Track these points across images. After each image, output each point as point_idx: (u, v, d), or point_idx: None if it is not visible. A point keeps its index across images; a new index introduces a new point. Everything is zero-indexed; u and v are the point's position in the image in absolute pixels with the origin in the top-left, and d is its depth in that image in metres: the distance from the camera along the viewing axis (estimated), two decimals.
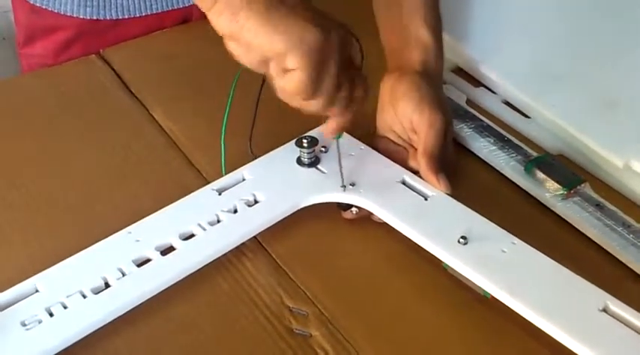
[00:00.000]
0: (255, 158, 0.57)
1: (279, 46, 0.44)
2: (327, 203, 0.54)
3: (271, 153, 0.58)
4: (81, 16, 0.73)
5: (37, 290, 0.47)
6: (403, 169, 0.56)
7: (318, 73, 0.45)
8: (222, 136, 0.57)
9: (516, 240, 0.50)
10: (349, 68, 0.48)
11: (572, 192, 0.57)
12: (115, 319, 0.46)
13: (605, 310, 0.45)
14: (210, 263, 0.50)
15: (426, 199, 0.53)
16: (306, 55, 0.44)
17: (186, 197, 0.54)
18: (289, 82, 0.45)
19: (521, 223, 0.52)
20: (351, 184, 0.54)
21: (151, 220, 0.52)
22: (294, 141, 0.57)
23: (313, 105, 0.47)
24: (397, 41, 0.60)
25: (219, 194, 0.54)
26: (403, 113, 0.55)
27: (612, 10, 0.75)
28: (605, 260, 0.54)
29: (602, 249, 0.54)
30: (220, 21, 0.44)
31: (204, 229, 0.51)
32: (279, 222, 0.53)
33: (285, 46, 0.44)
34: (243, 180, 0.55)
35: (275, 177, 0.55)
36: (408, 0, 0.60)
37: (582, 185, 0.57)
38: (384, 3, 0.62)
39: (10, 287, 0.47)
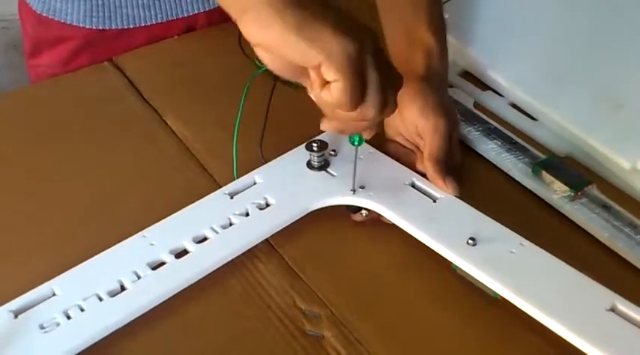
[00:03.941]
0: (266, 162, 0.58)
1: (316, 60, 0.43)
2: (337, 206, 0.55)
3: (282, 157, 0.58)
4: (87, 26, 0.74)
5: (54, 294, 0.48)
6: (412, 172, 0.56)
7: (358, 81, 0.43)
8: (235, 141, 0.58)
9: (524, 241, 0.50)
10: (387, 71, 0.46)
11: (579, 193, 0.57)
12: (131, 321, 0.47)
13: (613, 309, 0.46)
14: (223, 265, 0.51)
15: (434, 201, 0.54)
16: (345, 67, 0.42)
17: (199, 201, 0.55)
18: (333, 93, 0.44)
19: (529, 224, 0.53)
20: (360, 187, 0.55)
21: (164, 224, 0.53)
22: (304, 145, 0.58)
23: (358, 113, 0.45)
24: (401, 45, 0.60)
25: (231, 198, 0.55)
26: (409, 119, 0.56)
27: (618, 12, 0.75)
28: (613, 260, 0.54)
29: (610, 249, 0.55)
30: (252, 31, 0.43)
31: (217, 232, 0.52)
32: (290, 224, 0.54)
33: (321, 59, 0.42)
34: (255, 183, 0.56)
35: (286, 181, 0.56)
36: (411, 4, 0.61)
37: (589, 186, 0.58)
38: (388, 7, 0.63)
39: (28, 290, 0.47)
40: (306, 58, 0.43)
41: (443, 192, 0.54)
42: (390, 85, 0.46)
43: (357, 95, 0.44)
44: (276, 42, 0.43)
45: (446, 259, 0.50)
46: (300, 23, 0.42)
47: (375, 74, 0.44)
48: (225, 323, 0.49)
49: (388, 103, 0.46)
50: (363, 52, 0.43)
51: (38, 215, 0.56)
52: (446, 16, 0.63)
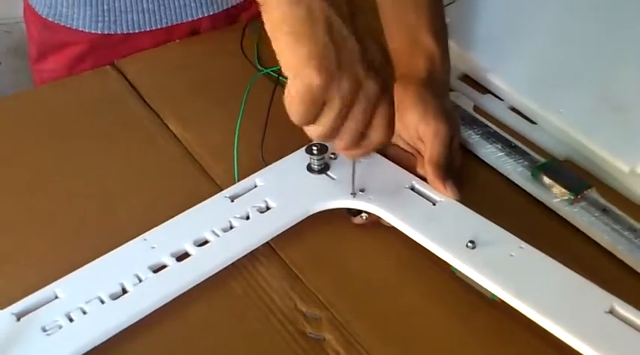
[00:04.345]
0: (267, 165, 0.58)
1: (285, 70, 0.44)
2: (337, 208, 0.55)
3: (282, 160, 0.59)
4: (92, 31, 0.74)
5: (56, 297, 0.48)
6: (412, 175, 0.57)
7: (309, 109, 0.44)
8: (235, 144, 0.58)
9: (524, 244, 0.50)
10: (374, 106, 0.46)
11: (578, 197, 0.58)
12: (133, 324, 0.47)
13: (611, 312, 0.46)
14: (224, 268, 0.51)
15: (434, 205, 0.54)
16: (304, 96, 0.44)
17: (200, 204, 0.55)
18: (287, 98, 0.45)
19: (528, 228, 0.53)
20: (360, 190, 0.55)
21: (165, 227, 0.53)
22: (304, 148, 0.58)
23: (308, 130, 0.47)
24: (403, 49, 0.60)
25: (232, 201, 0.55)
26: (409, 123, 0.56)
27: (618, 16, 0.76)
28: (612, 263, 0.54)
29: (609, 252, 0.55)
30: (266, 24, 0.45)
31: (218, 236, 0.52)
32: (290, 227, 0.54)
33: (292, 80, 0.44)
34: (255, 187, 0.57)
35: (286, 184, 0.57)
36: (413, 8, 0.61)
37: (589, 190, 0.58)
38: (390, 11, 0.63)
39: (31, 293, 0.48)
40: (286, 71, 0.44)
41: (442, 196, 0.55)
42: (359, 125, 0.46)
43: (305, 121, 0.45)
44: (275, 45, 0.44)
45: (445, 262, 0.51)
46: (290, 37, 0.43)
47: (335, 112, 0.45)
48: (227, 325, 0.49)
49: (350, 145, 0.47)
50: (330, 91, 0.44)
51: (40, 218, 0.57)
52: (447, 20, 0.63)
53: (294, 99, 0.44)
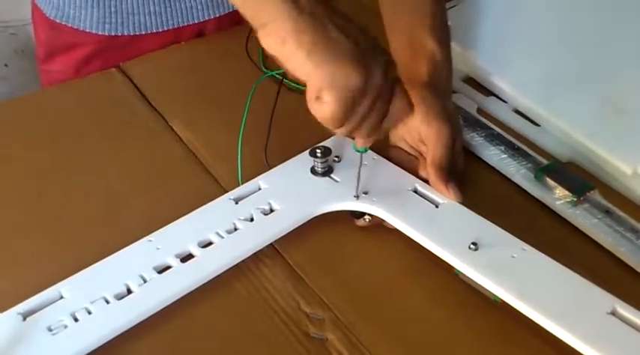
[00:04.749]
0: (271, 168, 0.59)
1: (318, 82, 0.45)
2: (340, 211, 0.56)
3: (286, 163, 0.59)
4: (99, 33, 0.75)
5: (62, 297, 0.49)
6: (415, 178, 0.57)
7: (349, 110, 0.46)
8: (239, 147, 0.59)
9: (526, 246, 0.51)
10: (390, 93, 0.48)
11: (581, 198, 0.58)
12: (138, 324, 0.48)
13: (613, 313, 0.46)
14: (228, 269, 0.51)
15: (437, 207, 0.55)
16: (342, 97, 0.45)
17: (204, 206, 0.55)
18: (320, 111, 0.46)
19: (531, 230, 0.53)
20: (364, 193, 0.56)
21: (170, 228, 0.53)
22: (307, 151, 0.58)
23: (338, 131, 0.48)
24: (405, 52, 0.61)
25: (236, 203, 0.55)
26: (412, 125, 0.57)
27: (620, 19, 0.76)
28: (615, 265, 0.54)
29: (612, 254, 0.55)
30: (268, 42, 0.45)
31: (222, 237, 0.53)
32: (294, 229, 0.54)
33: (322, 85, 0.45)
34: (259, 189, 0.57)
35: (290, 187, 0.57)
36: (415, 11, 0.61)
37: (592, 192, 0.58)
38: (392, 14, 0.63)
39: (36, 293, 0.48)
40: (308, 78, 0.45)
41: (445, 198, 0.55)
42: (381, 115, 0.48)
43: (341, 121, 0.47)
44: (287, 57, 0.45)
45: (448, 263, 0.51)
46: (313, 47, 0.44)
47: (365, 108, 0.47)
48: (230, 326, 0.50)
49: (370, 135, 0.49)
50: (367, 85, 0.45)
51: (46, 219, 0.57)
52: (449, 22, 0.63)
53: (331, 105, 0.45)
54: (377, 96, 0.47)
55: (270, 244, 0.54)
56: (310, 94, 0.46)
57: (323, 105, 0.46)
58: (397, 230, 0.54)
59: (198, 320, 0.50)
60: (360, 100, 0.46)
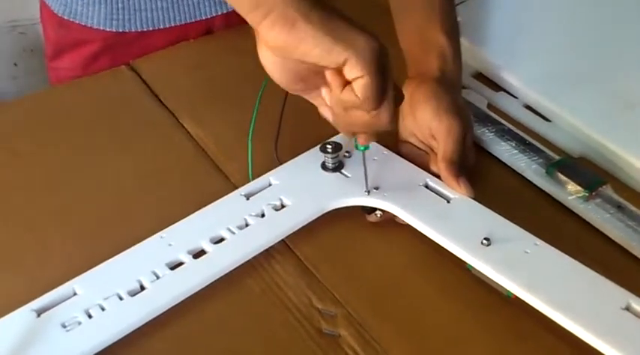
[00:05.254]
0: (281, 164, 0.59)
1: (342, 56, 0.43)
2: (351, 206, 0.56)
3: (296, 158, 0.59)
4: (107, 29, 0.75)
5: (75, 293, 0.49)
6: (426, 173, 0.57)
7: (381, 78, 0.44)
8: (249, 143, 0.59)
9: (539, 241, 0.51)
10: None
11: (593, 194, 0.58)
12: (151, 320, 0.48)
13: (627, 308, 0.46)
14: (240, 266, 0.52)
15: (448, 202, 0.55)
16: (372, 62, 0.43)
17: (216, 202, 0.55)
18: (352, 95, 0.44)
19: (543, 225, 0.53)
20: (375, 188, 0.55)
21: (182, 225, 0.53)
22: (318, 146, 0.58)
23: (381, 116, 0.46)
24: (415, 48, 0.61)
25: (247, 199, 0.55)
26: (422, 120, 0.57)
27: (631, 13, 0.76)
28: (627, 260, 0.54)
29: (624, 249, 0.55)
30: (273, 33, 0.44)
31: (234, 233, 0.53)
32: (305, 225, 0.54)
33: (348, 55, 0.43)
34: (270, 185, 0.57)
35: (300, 182, 0.57)
36: (424, 7, 0.61)
37: (604, 187, 0.58)
38: (402, 10, 0.63)
39: (50, 290, 0.49)
40: (330, 54, 0.43)
41: (456, 193, 0.55)
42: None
43: (380, 93, 0.44)
44: (299, 40, 0.43)
45: (460, 259, 0.51)
46: (325, 21, 0.43)
47: (391, 74, 0.45)
48: (243, 322, 0.50)
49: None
50: (384, 51, 0.44)
51: (58, 216, 0.57)
52: (459, 18, 0.63)
53: (365, 75, 0.43)
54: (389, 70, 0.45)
55: (282, 240, 0.54)
56: (334, 82, 0.44)
57: (356, 84, 0.44)
58: (409, 225, 0.54)
59: (210, 317, 0.50)
60: (385, 68, 0.44)
